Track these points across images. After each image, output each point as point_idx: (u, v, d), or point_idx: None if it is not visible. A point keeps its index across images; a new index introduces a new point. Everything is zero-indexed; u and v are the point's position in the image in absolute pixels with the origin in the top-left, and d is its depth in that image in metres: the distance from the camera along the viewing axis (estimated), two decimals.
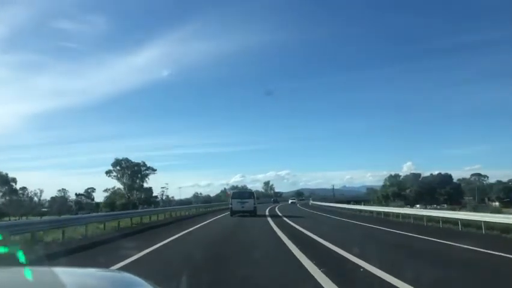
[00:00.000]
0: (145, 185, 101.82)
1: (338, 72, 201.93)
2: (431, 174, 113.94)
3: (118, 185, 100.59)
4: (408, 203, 79.52)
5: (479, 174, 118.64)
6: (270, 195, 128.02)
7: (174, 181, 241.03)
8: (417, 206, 65.39)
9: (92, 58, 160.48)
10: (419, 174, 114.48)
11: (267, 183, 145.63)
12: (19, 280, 1.78)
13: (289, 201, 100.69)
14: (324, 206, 67.27)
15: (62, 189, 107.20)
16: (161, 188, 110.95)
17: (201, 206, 52.24)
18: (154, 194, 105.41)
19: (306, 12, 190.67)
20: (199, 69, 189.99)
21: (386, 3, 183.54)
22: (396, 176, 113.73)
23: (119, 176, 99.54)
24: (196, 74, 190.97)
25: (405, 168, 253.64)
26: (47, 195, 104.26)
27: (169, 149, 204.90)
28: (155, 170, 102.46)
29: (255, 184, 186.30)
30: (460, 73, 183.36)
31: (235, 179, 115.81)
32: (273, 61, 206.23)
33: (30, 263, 7.29)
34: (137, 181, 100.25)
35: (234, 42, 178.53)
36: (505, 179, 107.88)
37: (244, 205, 32.08)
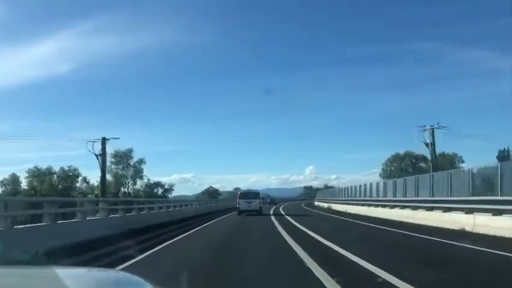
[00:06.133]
0: None
1: (237, 78, 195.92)
2: None
3: None
4: None
5: None
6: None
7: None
8: None
9: None
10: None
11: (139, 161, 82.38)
12: (19, 280, 1.78)
13: None
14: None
15: None
16: None
17: None
18: None
19: (213, 16, 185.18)
20: (102, 66, 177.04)
21: (288, 10, 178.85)
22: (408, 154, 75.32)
23: None
24: (99, 71, 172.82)
25: (307, 172, 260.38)
26: None
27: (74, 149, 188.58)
28: None
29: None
30: (361, 82, 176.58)
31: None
32: (178, 63, 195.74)
33: None
34: None
35: (140, 40, 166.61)
36: None
37: (250, 205, 34.04)
